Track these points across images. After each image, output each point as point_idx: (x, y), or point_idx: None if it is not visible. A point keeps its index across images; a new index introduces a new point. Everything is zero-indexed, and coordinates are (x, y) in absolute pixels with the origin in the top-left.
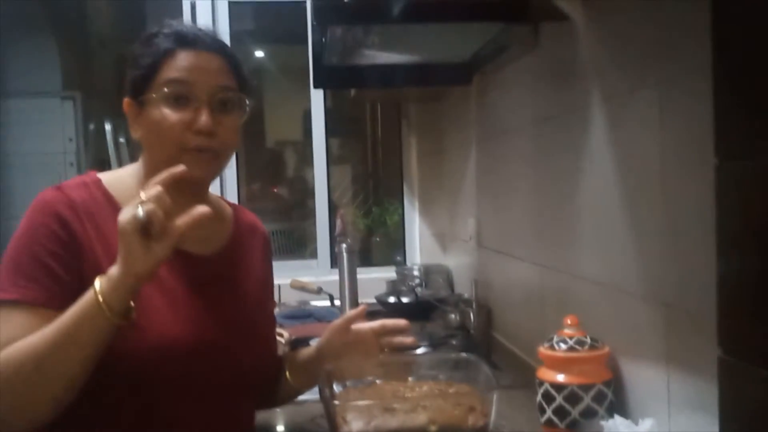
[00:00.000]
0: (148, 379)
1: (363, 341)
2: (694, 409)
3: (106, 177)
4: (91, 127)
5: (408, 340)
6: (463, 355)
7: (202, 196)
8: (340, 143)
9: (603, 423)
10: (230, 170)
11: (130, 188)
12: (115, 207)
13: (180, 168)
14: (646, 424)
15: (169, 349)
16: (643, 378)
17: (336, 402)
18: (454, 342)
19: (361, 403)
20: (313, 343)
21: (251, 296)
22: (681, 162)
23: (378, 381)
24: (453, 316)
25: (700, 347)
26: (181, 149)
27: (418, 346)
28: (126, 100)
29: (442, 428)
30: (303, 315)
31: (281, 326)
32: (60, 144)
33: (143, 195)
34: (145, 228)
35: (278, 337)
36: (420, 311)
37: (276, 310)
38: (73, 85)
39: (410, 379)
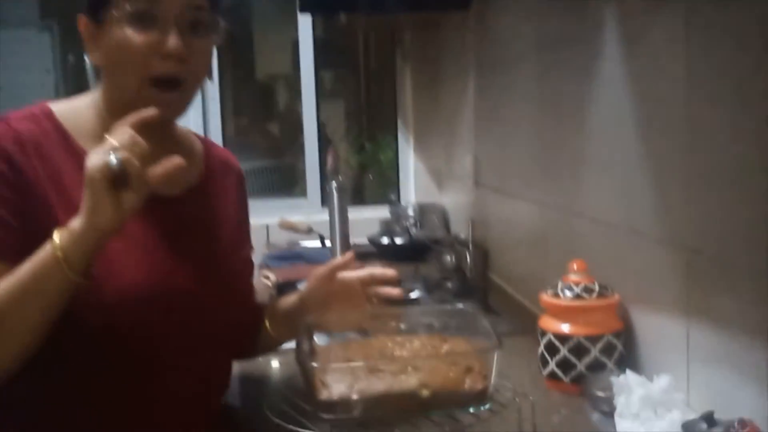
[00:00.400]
0: (111, 333)
1: (349, 291)
2: (718, 365)
3: (59, 107)
4: (70, 58)
5: (395, 291)
6: (460, 305)
7: (169, 131)
8: (332, 76)
9: (613, 379)
10: (213, 103)
11: (87, 121)
12: (68, 142)
13: (150, 111)
14: (662, 380)
15: (133, 301)
16: (659, 330)
17: (314, 364)
18: (449, 285)
19: (342, 365)
20: (302, 286)
21: (225, 240)
22: (710, 88)
23: (364, 335)
24: (448, 257)
25: (726, 297)
26: (147, 77)
27: (407, 298)
28: (82, 19)
29: (436, 393)
30: (292, 256)
31: (269, 268)
32: (37, 76)
33: (114, 140)
34: (118, 178)
35: (265, 280)
36: (414, 252)
37: (257, 253)
38: (50, 15)
39: (401, 326)
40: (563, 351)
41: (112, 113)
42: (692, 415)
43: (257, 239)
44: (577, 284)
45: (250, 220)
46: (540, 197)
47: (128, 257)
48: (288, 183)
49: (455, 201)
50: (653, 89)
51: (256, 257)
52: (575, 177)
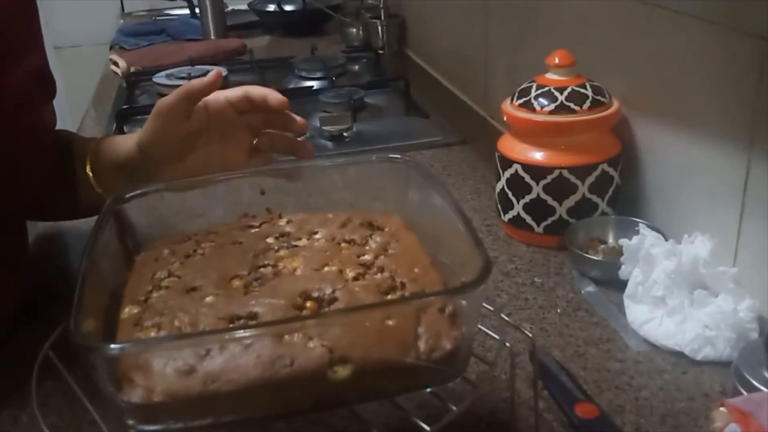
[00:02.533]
0: None
1: (220, 124)
2: None
3: None
4: None
5: (297, 122)
6: (395, 157)
7: None
8: None
9: (626, 242)
10: None
11: None
12: None
13: None
14: (701, 245)
15: None
16: (689, 157)
17: (112, 346)
18: (356, 68)
19: (168, 341)
20: (160, 79)
21: None
22: None
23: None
24: (354, 30)
25: None
26: None
27: (305, 132)
28: None
29: (361, 369)
30: (152, 31)
31: (120, 49)
32: None
33: None
34: None
35: (113, 67)
36: (308, 23)
37: (107, 28)
38: None
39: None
40: (536, 190)
41: None
42: (746, 302)
43: (106, 10)
44: (560, 88)
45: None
46: None
47: None
48: None
49: None
50: None
51: (104, 33)
52: None
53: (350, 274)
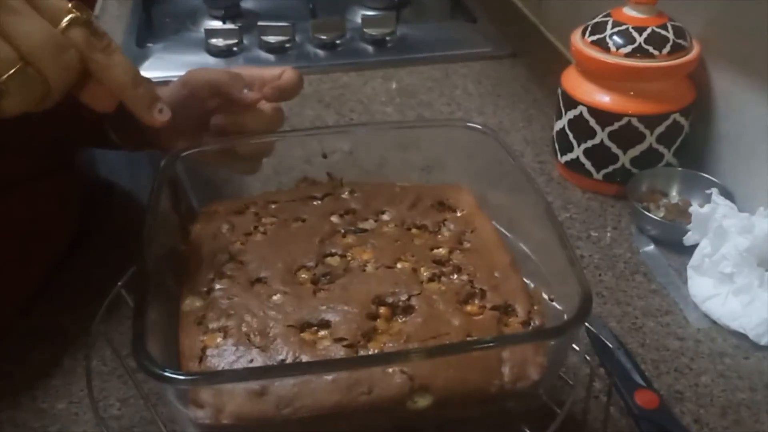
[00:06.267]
0: None
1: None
2: None
3: None
4: None
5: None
6: (474, 125)
7: None
8: None
9: (696, 209)
10: None
11: None
12: None
13: None
14: None
15: None
16: (761, 109)
17: (188, 379)
18: None
19: (243, 375)
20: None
21: None
22: None
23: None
24: None
25: None
26: None
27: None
28: None
29: (443, 399)
30: None
31: None
32: None
33: None
34: None
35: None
36: None
37: None
38: None
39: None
40: (601, 135)
41: None
42: None
43: None
44: (639, 28)
45: None
46: None
47: None
48: None
49: None
50: None
51: None
52: None
53: (425, 274)
